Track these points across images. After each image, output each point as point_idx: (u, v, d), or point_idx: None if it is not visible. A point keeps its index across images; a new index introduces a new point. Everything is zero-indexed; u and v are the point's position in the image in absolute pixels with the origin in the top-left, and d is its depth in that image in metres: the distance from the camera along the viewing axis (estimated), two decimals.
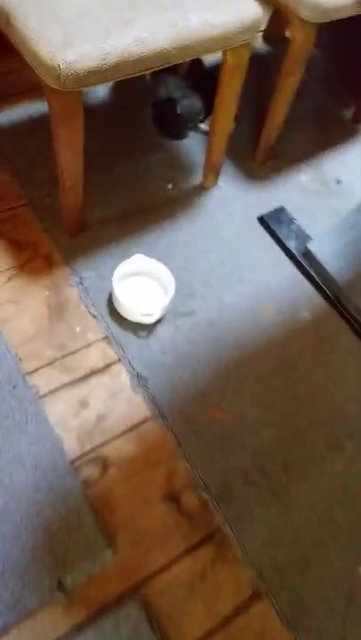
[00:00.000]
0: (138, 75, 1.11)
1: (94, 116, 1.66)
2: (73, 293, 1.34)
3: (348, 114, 1.90)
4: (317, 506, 1.14)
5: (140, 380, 1.24)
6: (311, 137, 1.80)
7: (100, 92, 1.74)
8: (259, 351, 1.33)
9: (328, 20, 1.32)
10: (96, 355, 1.26)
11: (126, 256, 1.36)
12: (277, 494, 1.14)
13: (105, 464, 1.12)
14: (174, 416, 1.19)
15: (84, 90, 1.06)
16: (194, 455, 1.15)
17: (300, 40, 1.37)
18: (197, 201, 1.57)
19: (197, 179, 1.61)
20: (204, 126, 1.72)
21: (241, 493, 1.13)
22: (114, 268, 1.32)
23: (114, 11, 1.10)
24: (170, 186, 1.58)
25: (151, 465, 1.13)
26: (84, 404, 1.19)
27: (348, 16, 1.35)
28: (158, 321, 1.32)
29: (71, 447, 1.13)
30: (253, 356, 1.32)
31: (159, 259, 1.37)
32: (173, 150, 1.67)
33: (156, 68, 1.13)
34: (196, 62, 1.77)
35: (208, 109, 1.68)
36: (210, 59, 1.85)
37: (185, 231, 1.49)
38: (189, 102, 1.65)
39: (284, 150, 1.71)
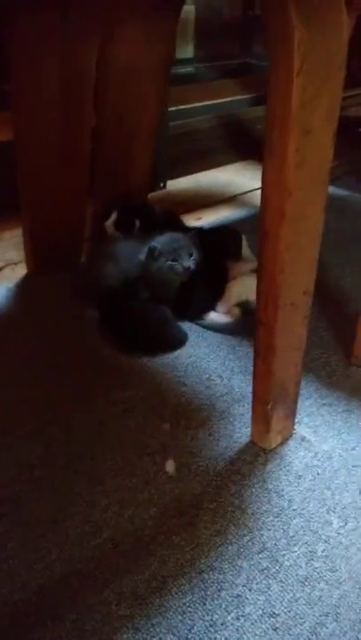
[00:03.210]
0: None
1: None
2: None
3: None
4: None
5: None
6: None
7: None
8: None
9: None
10: None
11: None
12: None
13: None
14: None
15: None
16: None
17: None
18: (252, 490, 0.54)
19: (241, 431, 0.61)
20: (215, 316, 0.79)
21: None
22: None
23: None
24: (170, 467, 0.57)
25: None
26: None
27: None
28: None
29: None
30: None
31: None
32: (159, 375, 0.69)
33: None
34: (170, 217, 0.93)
35: (216, 293, 0.80)
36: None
37: (232, 603, 0.44)
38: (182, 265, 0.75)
39: None
